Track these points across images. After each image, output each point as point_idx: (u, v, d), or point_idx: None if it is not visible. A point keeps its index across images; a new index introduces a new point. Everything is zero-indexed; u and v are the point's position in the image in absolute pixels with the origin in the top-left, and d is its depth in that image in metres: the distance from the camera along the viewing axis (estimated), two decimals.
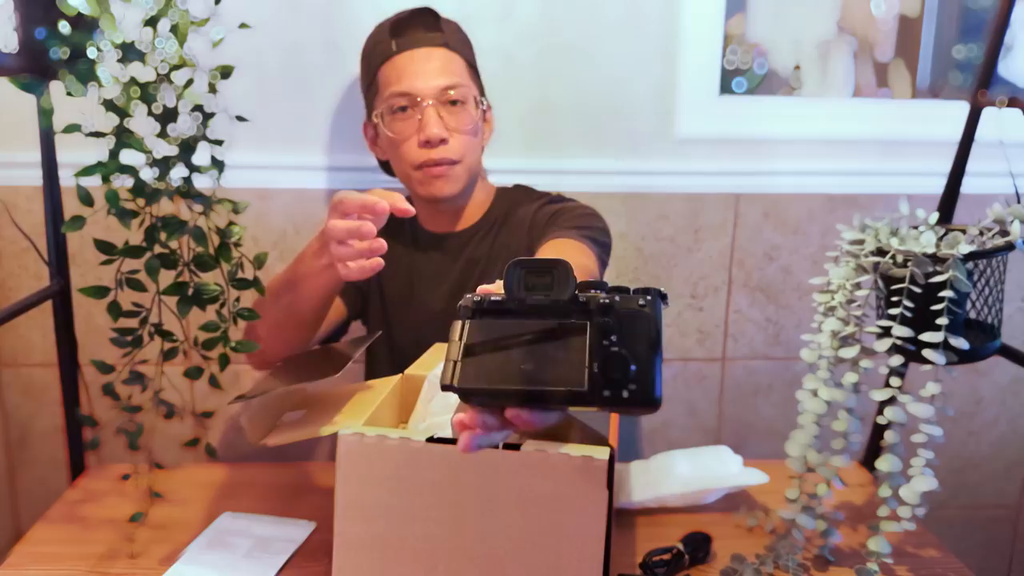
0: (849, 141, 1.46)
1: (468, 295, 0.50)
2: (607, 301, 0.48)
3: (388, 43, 1.12)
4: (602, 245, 1.10)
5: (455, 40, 1.15)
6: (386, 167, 1.26)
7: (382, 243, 0.83)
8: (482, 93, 1.17)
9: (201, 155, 0.83)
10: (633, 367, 0.46)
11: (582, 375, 0.46)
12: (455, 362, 0.48)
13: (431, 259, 1.21)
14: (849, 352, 0.89)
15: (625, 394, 0.45)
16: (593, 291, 0.49)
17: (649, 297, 0.49)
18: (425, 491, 0.74)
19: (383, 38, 1.13)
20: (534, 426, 0.47)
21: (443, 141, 1.09)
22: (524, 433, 0.52)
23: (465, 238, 1.19)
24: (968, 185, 1.12)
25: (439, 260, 1.20)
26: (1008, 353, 0.99)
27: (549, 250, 1.02)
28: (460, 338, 0.49)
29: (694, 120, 1.41)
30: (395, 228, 1.19)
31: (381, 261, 0.84)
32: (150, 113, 0.79)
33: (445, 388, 0.47)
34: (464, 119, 1.11)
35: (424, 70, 1.09)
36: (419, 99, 1.09)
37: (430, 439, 0.74)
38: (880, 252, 0.88)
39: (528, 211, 1.19)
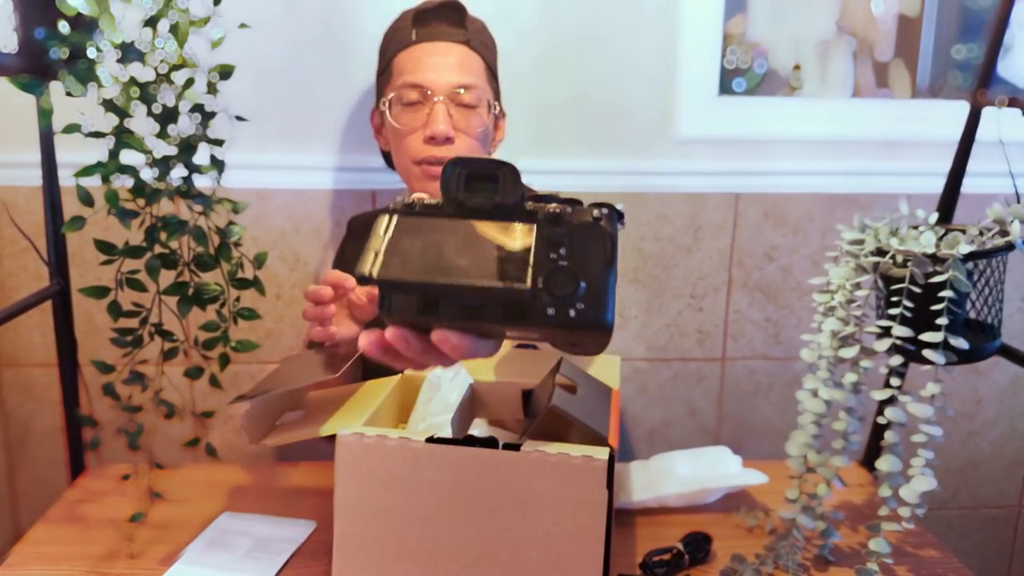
0: (849, 141, 1.46)
1: (399, 197, 0.46)
2: (557, 211, 0.43)
3: (408, 31, 1.10)
4: None
5: (478, 40, 1.12)
6: (389, 159, 1.25)
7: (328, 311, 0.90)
8: (497, 98, 1.15)
9: (201, 155, 0.83)
10: (583, 284, 0.41)
11: (524, 274, 0.40)
12: (376, 252, 0.42)
13: None
14: (849, 352, 0.89)
15: (572, 313, 0.40)
16: (543, 203, 0.44)
17: (605, 210, 0.44)
18: (425, 491, 0.74)
19: (404, 25, 1.11)
20: (463, 352, 0.42)
21: (449, 140, 1.06)
22: (451, 361, 0.46)
23: None
24: (968, 185, 1.12)
25: None
26: (1008, 353, 0.99)
27: None
28: (385, 232, 0.43)
29: (694, 120, 1.41)
30: None
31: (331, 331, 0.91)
32: (150, 113, 0.79)
33: (361, 280, 0.41)
34: (474, 122, 1.08)
35: (441, 64, 1.07)
36: (431, 93, 1.06)
37: (430, 439, 0.74)
38: (880, 252, 0.88)
39: None
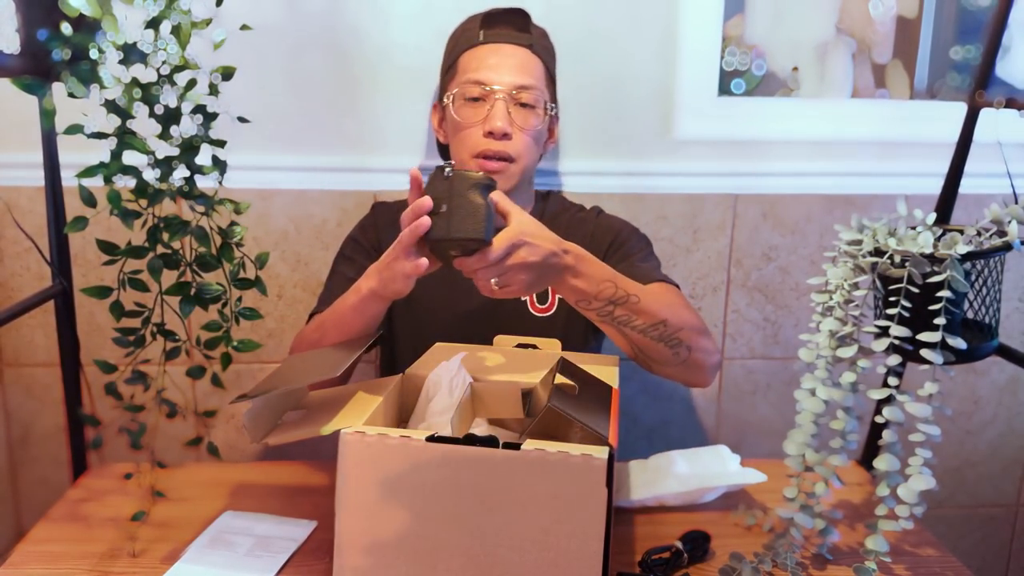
0: (847, 142, 1.46)
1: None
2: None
3: (476, 32, 1.16)
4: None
5: (540, 45, 1.18)
6: (444, 153, 1.28)
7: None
8: (554, 101, 1.20)
9: (203, 156, 0.84)
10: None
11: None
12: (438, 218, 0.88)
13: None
14: (847, 352, 0.89)
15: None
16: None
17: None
18: (425, 490, 0.75)
19: (472, 26, 1.18)
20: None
21: (506, 136, 1.12)
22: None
23: None
24: (966, 186, 1.13)
25: None
26: (1005, 353, 0.99)
27: (656, 292, 1.03)
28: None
29: (693, 121, 1.42)
30: None
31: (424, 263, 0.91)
32: (152, 114, 0.80)
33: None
34: (531, 121, 1.14)
35: (504, 65, 1.13)
36: (493, 90, 1.12)
37: (431, 438, 0.74)
38: (878, 252, 0.89)
39: (576, 219, 1.23)
